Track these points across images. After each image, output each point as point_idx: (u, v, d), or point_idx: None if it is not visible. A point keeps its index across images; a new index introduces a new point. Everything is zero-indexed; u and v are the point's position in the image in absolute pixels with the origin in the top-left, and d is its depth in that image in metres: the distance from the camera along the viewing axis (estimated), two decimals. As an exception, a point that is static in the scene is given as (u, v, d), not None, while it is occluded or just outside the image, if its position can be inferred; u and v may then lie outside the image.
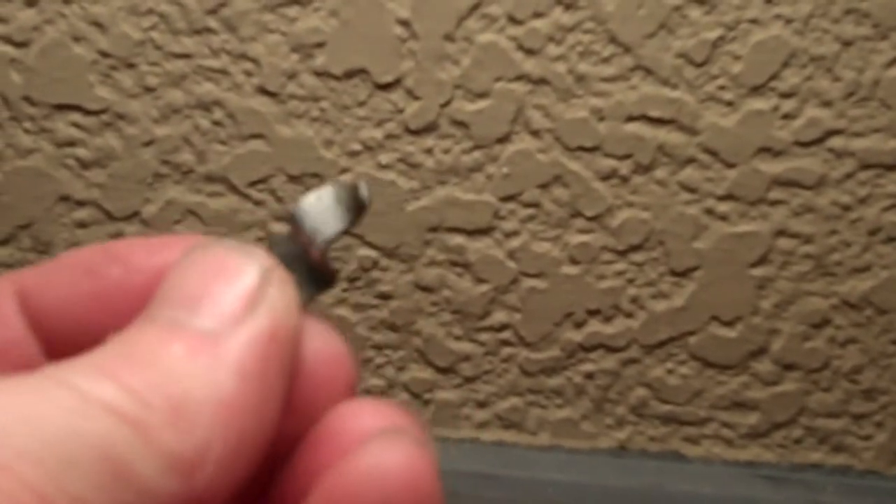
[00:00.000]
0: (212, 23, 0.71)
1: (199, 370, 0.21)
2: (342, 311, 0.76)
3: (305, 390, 0.24)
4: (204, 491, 0.20)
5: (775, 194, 0.71)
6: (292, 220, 0.26)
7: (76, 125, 0.73)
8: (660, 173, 0.72)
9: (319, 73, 0.72)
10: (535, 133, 0.71)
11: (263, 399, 0.21)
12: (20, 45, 0.73)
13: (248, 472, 0.21)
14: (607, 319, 0.75)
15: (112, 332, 0.22)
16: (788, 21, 0.68)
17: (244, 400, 0.21)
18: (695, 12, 0.69)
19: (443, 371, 0.77)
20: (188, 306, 0.22)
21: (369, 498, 0.22)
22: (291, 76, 0.72)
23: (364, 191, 0.26)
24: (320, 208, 0.26)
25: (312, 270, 0.26)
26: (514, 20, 0.70)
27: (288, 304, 0.23)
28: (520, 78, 0.71)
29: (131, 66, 0.72)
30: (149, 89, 0.73)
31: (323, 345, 0.25)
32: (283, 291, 0.23)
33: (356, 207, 0.26)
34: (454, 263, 0.74)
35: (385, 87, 0.72)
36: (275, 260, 0.24)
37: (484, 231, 0.73)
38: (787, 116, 0.70)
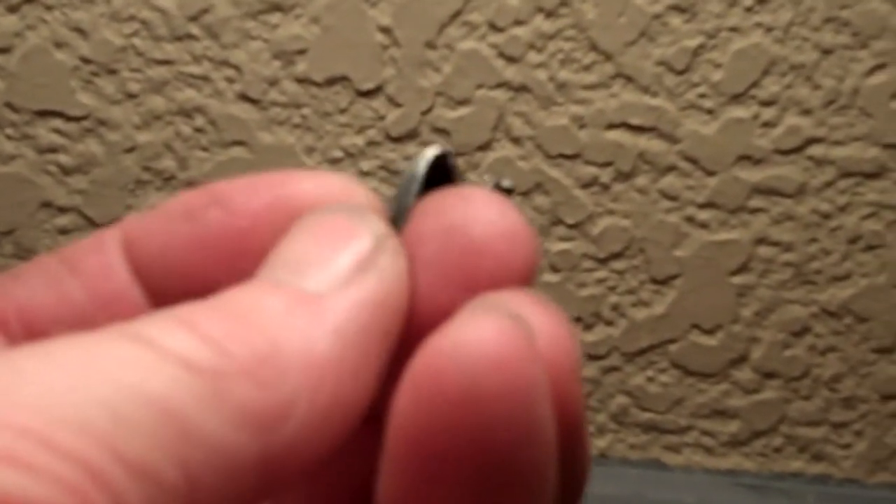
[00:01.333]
0: (194, 29, 0.71)
1: (295, 325, 0.20)
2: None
3: (471, 256, 0.22)
4: (283, 452, 0.19)
5: (755, 202, 0.71)
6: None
7: (58, 131, 0.73)
8: (640, 181, 0.72)
9: (301, 80, 0.72)
10: (516, 140, 0.71)
11: (361, 366, 0.20)
12: (2, 51, 0.73)
13: (338, 440, 0.20)
14: (588, 327, 0.75)
15: (213, 281, 0.21)
16: (769, 29, 0.69)
17: (340, 363, 0.20)
18: (675, 20, 0.69)
19: (424, 378, 0.77)
20: (296, 269, 0.21)
21: (453, 381, 0.20)
22: (273, 83, 0.72)
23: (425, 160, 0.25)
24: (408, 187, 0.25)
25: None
26: (495, 28, 0.70)
27: (399, 274, 0.22)
28: (501, 85, 0.71)
29: (113, 72, 0.72)
30: (130, 95, 0.73)
31: (496, 212, 0.23)
32: (395, 260, 0.22)
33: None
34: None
35: (366, 94, 0.72)
36: (388, 226, 0.23)
37: (465, 238, 0.73)
38: (767, 124, 0.70)
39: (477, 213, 0.23)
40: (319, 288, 0.21)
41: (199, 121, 0.73)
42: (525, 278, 0.22)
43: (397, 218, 0.24)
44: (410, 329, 0.23)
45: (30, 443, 0.16)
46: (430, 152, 0.25)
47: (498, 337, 0.19)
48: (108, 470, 0.16)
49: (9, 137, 0.74)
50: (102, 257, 0.25)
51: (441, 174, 0.25)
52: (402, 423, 0.21)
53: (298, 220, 0.23)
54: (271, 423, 0.19)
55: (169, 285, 0.24)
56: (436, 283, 0.23)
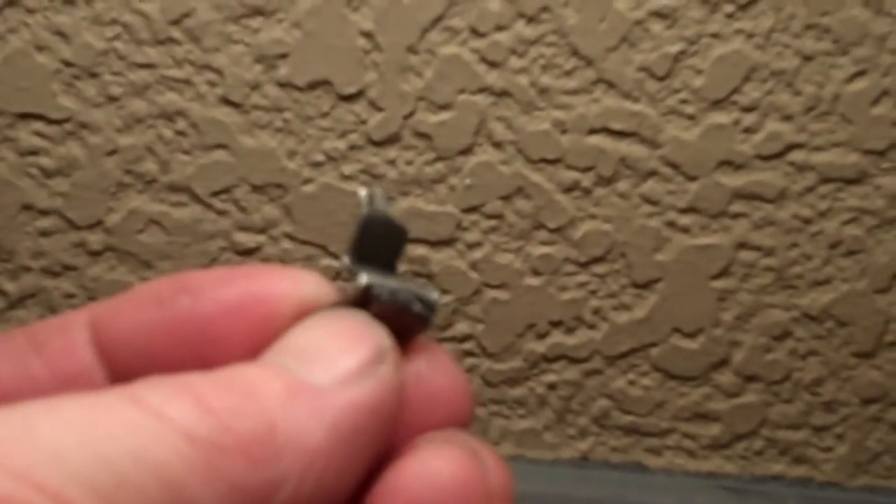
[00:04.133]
0: (175, 33, 0.71)
1: (295, 412, 0.21)
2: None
3: (417, 419, 0.25)
4: None
5: (736, 207, 0.72)
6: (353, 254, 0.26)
7: (39, 134, 0.73)
8: (622, 186, 0.72)
9: (283, 84, 0.72)
10: (498, 145, 0.71)
11: (348, 462, 0.21)
12: (-17, 54, 0.73)
13: None
14: (570, 331, 0.75)
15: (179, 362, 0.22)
16: (749, 36, 0.69)
17: (329, 456, 0.21)
18: (656, 26, 0.69)
19: (406, 381, 0.77)
20: (302, 359, 0.22)
21: (426, 500, 0.22)
22: (255, 87, 0.72)
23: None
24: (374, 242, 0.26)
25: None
26: (476, 33, 0.70)
27: (395, 386, 0.23)
28: (482, 90, 0.71)
29: (94, 75, 0.72)
30: (112, 99, 0.72)
31: (443, 378, 0.25)
32: (394, 372, 0.23)
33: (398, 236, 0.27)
34: (417, 274, 0.74)
35: (348, 98, 0.72)
36: (392, 342, 0.24)
37: (447, 242, 0.73)
38: (748, 130, 0.70)
39: (435, 369, 0.26)
40: (322, 381, 0.22)
41: (181, 124, 0.73)
42: (466, 424, 0.26)
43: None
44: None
45: (40, 495, 0.16)
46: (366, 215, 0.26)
47: (463, 466, 0.23)
48: None
49: (-10, 140, 0.74)
50: (68, 338, 0.27)
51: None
52: None
53: (311, 316, 0.24)
54: (259, 499, 0.20)
55: (134, 367, 0.26)
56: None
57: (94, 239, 0.75)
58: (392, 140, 0.72)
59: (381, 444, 0.23)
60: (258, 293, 0.25)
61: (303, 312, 0.24)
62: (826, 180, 0.71)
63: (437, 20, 0.70)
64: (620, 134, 0.71)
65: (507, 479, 0.24)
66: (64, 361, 0.26)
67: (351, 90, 0.71)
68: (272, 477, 0.20)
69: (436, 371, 0.25)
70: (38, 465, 0.17)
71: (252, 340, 0.24)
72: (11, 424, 0.18)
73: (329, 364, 0.22)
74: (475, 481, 0.23)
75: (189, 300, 0.25)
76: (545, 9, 0.69)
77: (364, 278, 0.25)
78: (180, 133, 0.73)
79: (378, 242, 0.26)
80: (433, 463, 0.23)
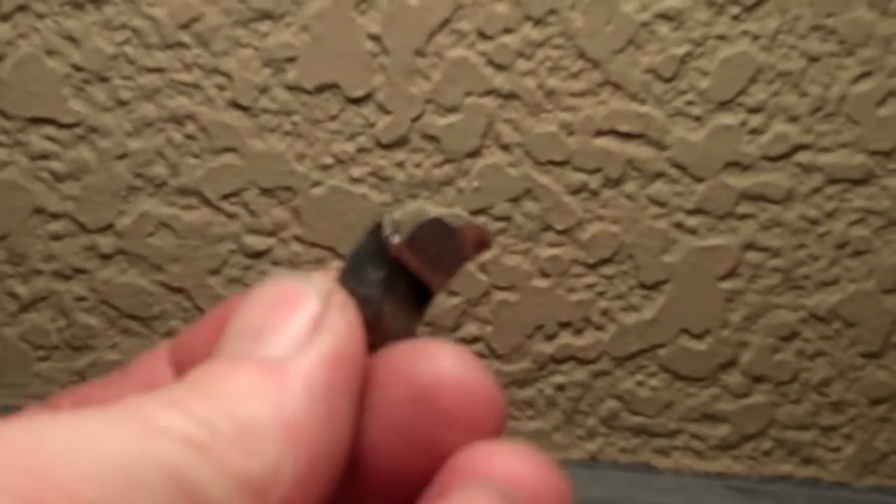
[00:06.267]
0: (184, 37, 0.72)
1: (265, 394, 0.21)
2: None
3: (439, 426, 0.24)
4: None
5: (743, 208, 0.72)
6: (407, 247, 0.25)
7: (50, 138, 0.74)
8: (629, 187, 0.72)
9: (291, 88, 0.72)
10: (506, 147, 0.72)
11: (332, 420, 0.21)
12: (-6, 59, 0.73)
13: (324, 494, 0.21)
14: (578, 332, 0.75)
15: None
16: (755, 37, 0.69)
17: (313, 421, 0.21)
18: (662, 28, 0.69)
19: (415, 382, 0.77)
20: (252, 339, 0.22)
21: None
22: (263, 90, 0.72)
23: (486, 233, 0.26)
24: (434, 238, 0.25)
25: (414, 291, 0.26)
26: (483, 36, 0.70)
27: (350, 326, 0.23)
28: (490, 93, 0.71)
29: (104, 79, 0.73)
30: (122, 103, 0.73)
31: (463, 375, 0.24)
32: (343, 314, 0.23)
33: (475, 244, 0.26)
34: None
35: (356, 101, 0.72)
36: (333, 284, 0.24)
37: (455, 244, 0.74)
38: (754, 131, 0.70)
39: (443, 378, 0.24)
40: (279, 354, 0.22)
41: (191, 128, 0.73)
42: (497, 428, 0.24)
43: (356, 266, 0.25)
44: (382, 484, 0.24)
45: (58, 495, 0.17)
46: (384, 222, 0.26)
47: None
48: None
49: (1, 144, 0.74)
50: (153, 361, 0.28)
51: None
52: None
53: (248, 292, 0.24)
54: (266, 486, 0.20)
55: None
56: (403, 448, 0.24)
57: (105, 242, 0.76)
58: (400, 143, 0.72)
59: (356, 390, 0.23)
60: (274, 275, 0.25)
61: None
62: (833, 181, 0.71)
63: (445, 23, 0.70)
64: (627, 136, 0.71)
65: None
66: (148, 380, 0.27)
67: (359, 93, 0.72)
68: (269, 462, 0.20)
69: (443, 383, 0.24)
70: (52, 465, 0.17)
71: None
72: (24, 432, 0.18)
73: (279, 335, 0.22)
74: None
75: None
76: (552, 11, 0.69)
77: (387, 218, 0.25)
78: (190, 137, 0.73)
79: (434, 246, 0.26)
80: None
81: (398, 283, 0.25)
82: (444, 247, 0.25)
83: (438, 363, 0.24)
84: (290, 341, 0.22)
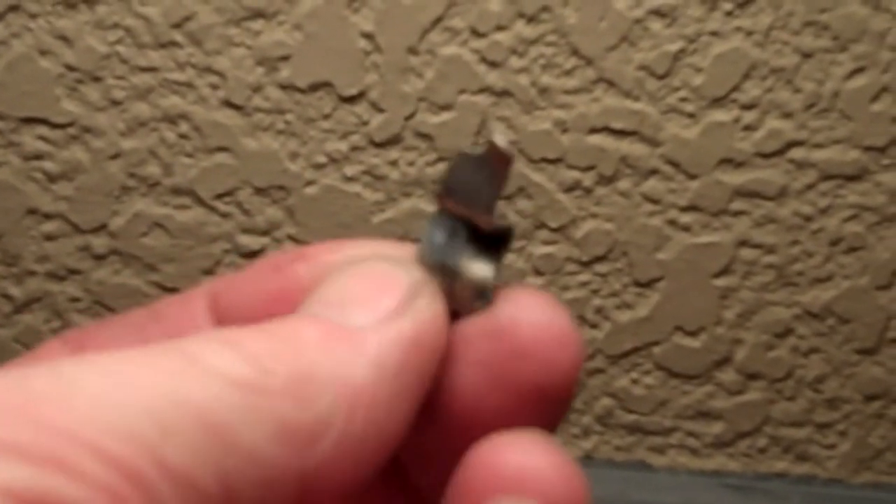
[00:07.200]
0: (177, 36, 0.72)
1: (334, 352, 0.21)
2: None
3: (516, 359, 0.23)
4: (319, 470, 0.20)
5: (737, 205, 0.72)
6: (445, 195, 0.25)
7: (43, 138, 0.74)
8: (623, 185, 0.72)
9: (284, 86, 0.72)
10: (499, 145, 0.71)
11: (395, 399, 0.21)
12: (-14, 59, 0.73)
13: (371, 468, 0.21)
14: (572, 330, 0.75)
15: None
16: (749, 33, 0.69)
17: (375, 392, 0.21)
18: (656, 25, 0.69)
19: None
20: (337, 307, 0.22)
21: None
22: (257, 89, 0.72)
23: (501, 142, 0.24)
24: (467, 179, 0.25)
25: (484, 238, 0.25)
26: (476, 33, 0.70)
27: (435, 317, 0.23)
28: (483, 90, 0.71)
29: (97, 79, 0.73)
30: (115, 102, 0.73)
31: (541, 313, 0.24)
32: (431, 304, 0.23)
33: (499, 162, 0.24)
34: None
35: (349, 99, 0.72)
36: (428, 274, 0.24)
37: (449, 242, 0.74)
38: (748, 128, 0.70)
39: (522, 315, 0.23)
40: (360, 322, 0.22)
41: (184, 127, 0.73)
42: (569, 382, 0.23)
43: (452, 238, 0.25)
44: (458, 425, 0.24)
45: (79, 449, 0.16)
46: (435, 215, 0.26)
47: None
48: (151, 477, 0.17)
49: (-6, 145, 0.74)
50: (186, 307, 0.27)
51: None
52: None
53: (340, 266, 0.24)
54: (308, 439, 0.19)
55: None
56: (483, 385, 0.24)
57: (99, 242, 0.76)
58: (394, 141, 0.72)
59: (427, 378, 0.22)
60: (367, 254, 0.25)
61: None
62: (826, 177, 0.71)
63: (437, 21, 0.70)
64: (621, 133, 0.71)
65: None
66: (181, 328, 0.27)
67: (352, 91, 0.72)
68: (319, 415, 0.20)
69: (521, 320, 0.23)
70: (76, 418, 0.17)
71: None
72: (48, 379, 0.17)
73: (364, 307, 0.22)
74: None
75: (305, 266, 0.25)
76: (545, 8, 0.69)
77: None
78: (183, 136, 0.73)
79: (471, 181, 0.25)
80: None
81: (460, 238, 0.25)
82: (477, 180, 0.25)
83: (517, 302, 0.24)
84: (374, 315, 0.22)
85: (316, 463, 0.20)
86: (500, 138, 0.24)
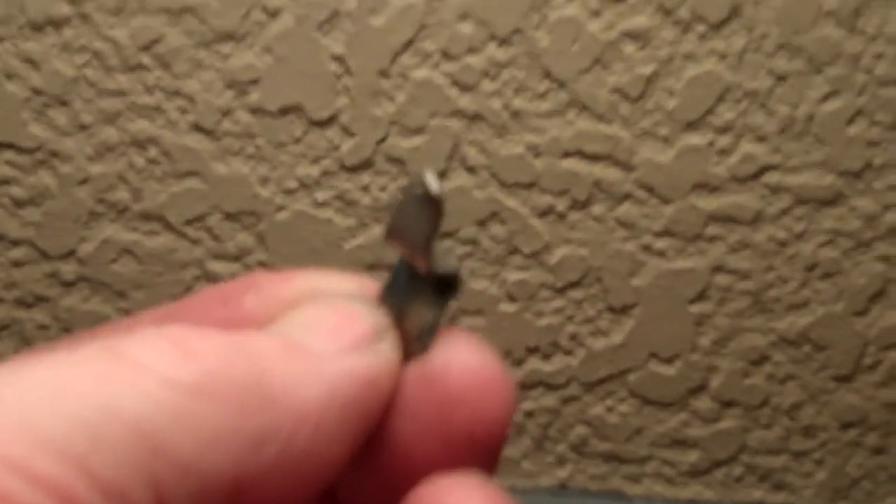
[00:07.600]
0: (145, 59, 0.71)
1: (290, 368, 0.20)
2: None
3: (448, 407, 0.23)
4: (253, 481, 0.19)
5: (712, 230, 0.71)
6: (388, 235, 0.25)
7: (10, 163, 0.73)
8: (597, 209, 0.71)
9: (254, 110, 0.71)
10: (472, 169, 0.71)
11: (340, 426, 0.21)
12: (-48, 82, 0.72)
13: (303, 492, 0.21)
14: (546, 357, 0.74)
15: None
16: (722, 56, 0.68)
17: (323, 416, 0.20)
18: (629, 48, 0.69)
19: (382, 409, 0.76)
20: (301, 330, 0.22)
21: None
22: (226, 113, 0.71)
23: (431, 184, 0.24)
24: (407, 220, 0.24)
25: (432, 281, 0.25)
26: (448, 56, 0.69)
27: (393, 364, 0.23)
28: (455, 114, 0.70)
29: (65, 103, 0.72)
30: (83, 127, 0.72)
31: (471, 358, 0.24)
32: (392, 352, 0.23)
33: (430, 204, 0.24)
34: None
35: (320, 123, 0.71)
36: (390, 321, 0.24)
37: (421, 268, 0.73)
38: (722, 152, 0.70)
39: (453, 362, 0.24)
40: (320, 348, 0.22)
41: (153, 152, 0.72)
42: (499, 428, 0.23)
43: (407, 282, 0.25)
44: (395, 466, 0.24)
45: (6, 471, 0.16)
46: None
47: None
48: (79, 492, 0.16)
49: (-40, 169, 0.73)
50: (133, 332, 0.27)
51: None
52: None
53: (313, 297, 0.24)
54: (247, 449, 0.19)
55: None
56: (417, 430, 0.24)
57: (67, 269, 0.75)
58: (365, 165, 0.72)
59: (372, 422, 0.22)
60: (317, 288, 0.25)
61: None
62: (801, 202, 0.70)
63: (409, 43, 0.69)
64: (594, 157, 0.70)
65: None
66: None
67: (323, 115, 0.71)
68: (263, 426, 0.19)
69: (453, 366, 0.23)
70: (3, 434, 0.16)
71: None
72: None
73: (328, 336, 0.22)
74: None
75: (253, 299, 0.25)
76: (517, 31, 0.69)
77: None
78: (152, 161, 0.72)
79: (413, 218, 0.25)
80: None
81: (412, 280, 0.25)
82: (416, 221, 0.24)
83: (449, 348, 0.24)
84: (336, 345, 0.22)
85: (253, 474, 0.19)
86: (431, 180, 0.24)
